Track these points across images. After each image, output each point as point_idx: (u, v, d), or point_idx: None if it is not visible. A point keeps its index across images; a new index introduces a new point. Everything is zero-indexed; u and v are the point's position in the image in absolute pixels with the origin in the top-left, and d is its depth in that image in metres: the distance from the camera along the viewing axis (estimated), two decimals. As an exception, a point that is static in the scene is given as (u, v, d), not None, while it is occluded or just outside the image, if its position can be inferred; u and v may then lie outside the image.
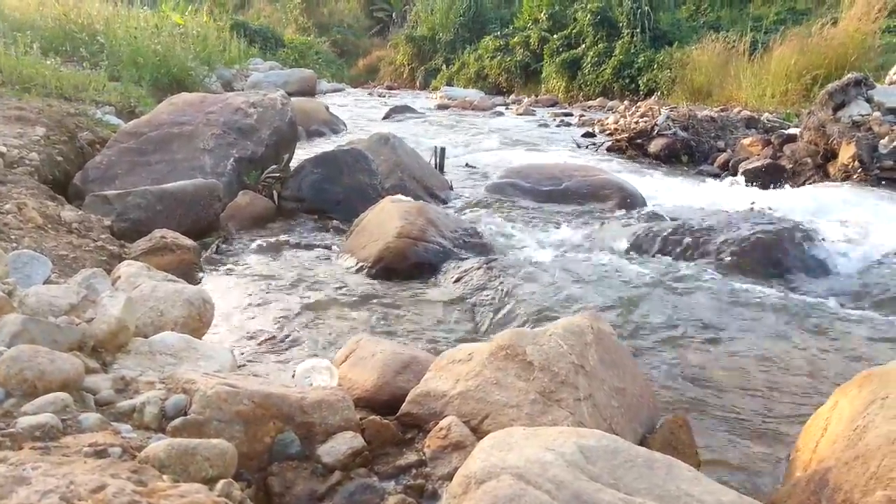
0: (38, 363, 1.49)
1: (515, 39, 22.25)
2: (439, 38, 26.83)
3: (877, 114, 7.45)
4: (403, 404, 1.86)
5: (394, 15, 32.04)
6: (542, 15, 21.50)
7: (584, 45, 18.89)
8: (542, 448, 1.38)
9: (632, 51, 17.17)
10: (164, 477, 1.19)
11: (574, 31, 19.57)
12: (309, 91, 16.13)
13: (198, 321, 2.25)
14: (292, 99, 7.30)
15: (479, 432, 1.68)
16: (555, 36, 20.19)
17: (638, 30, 17.30)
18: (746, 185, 6.76)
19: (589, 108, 16.24)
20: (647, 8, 17.06)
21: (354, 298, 3.45)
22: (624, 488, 1.33)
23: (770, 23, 15.09)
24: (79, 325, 1.79)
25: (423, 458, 1.66)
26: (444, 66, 26.04)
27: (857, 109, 7.65)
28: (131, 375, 1.72)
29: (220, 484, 1.26)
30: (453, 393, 1.80)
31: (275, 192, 5.17)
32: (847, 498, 1.56)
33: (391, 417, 1.86)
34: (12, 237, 3.05)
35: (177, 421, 1.51)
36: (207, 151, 5.12)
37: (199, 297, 2.30)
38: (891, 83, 8.75)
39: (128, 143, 5.08)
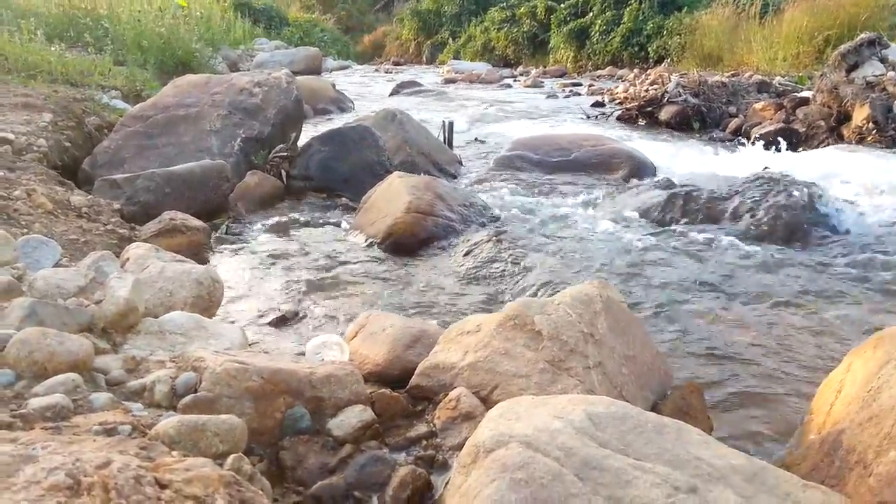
0: (47, 345, 1.50)
1: (522, 10, 22.00)
2: (445, 10, 26.58)
3: (891, 73, 7.31)
4: (413, 377, 1.86)
5: (398, -11, 31.77)
6: (548, -16, 21.23)
7: (591, 14, 18.67)
8: (550, 416, 1.38)
9: (640, 18, 16.95)
10: (174, 453, 1.20)
11: (581, -1, 19.33)
12: (315, 69, 16.07)
13: (207, 300, 2.25)
14: (298, 78, 7.27)
15: (488, 403, 1.68)
16: (562, 5, 19.95)
17: (646, -4, 17.05)
18: (759, 150, 6.67)
19: (598, 77, 16.09)
20: (654, -27, 16.81)
21: (364, 274, 3.45)
22: (633, 454, 1.32)
23: (781, -16, 14.81)
24: (88, 307, 1.80)
25: (434, 429, 1.66)
26: (450, 40, 25.84)
27: (871, 70, 7.52)
28: (141, 355, 1.73)
29: (231, 458, 1.27)
30: (462, 364, 1.80)
31: (283, 171, 5.16)
32: (860, 459, 1.55)
33: (402, 390, 1.86)
34: (23, 223, 3.07)
35: (187, 398, 1.52)
36: (214, 132, 5.11)
37: (208, 276, 2.31)
38: (905, 42, 8.57)
39: (135, 126, 5.09)
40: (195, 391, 1.54)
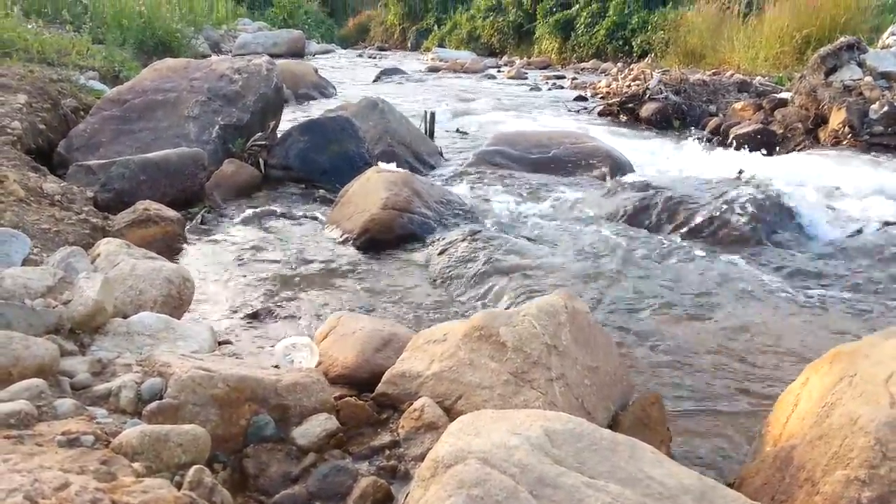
0: (12, 349, 1.51)
1: (508, -1, 21.94)
2: (431, -4, 26.45)
3: (868, 78, 7.40)
4: (379, 384, 1.88)
5: (385, -28, 31.47)
6: (535, -27, 21.16)
7: (577, 6, 18.67)
8: (508, 432, 1.41)
9: (626, 11, 16.98)
10: (135, 465, 1.22)
11: (568, -10, 19.32)
12: (298, 52, 15.94)
13: (177, 299, 2.26)
14: (280, 61, 7.21)
15: (452, 413, 1.71)
16: (548, -5, 19.91)
17: (632, -11, 17.08)
18: (736, 151, 6.73)
19: (582, 70, 16.13)
20: (641, -33, 16.83)
21: (339, 271, 3.46)
22: (588, 472, 1.36)
23: (765, -17, 14.88)
24: (55, 307, 1.80)
25: (397, 438, 1.69)
26: (435, 27, 25.74)
27: (849, 74, 7.61)
28: (108, 357, 1.73)
29: (192, 471, 1.28)
30: (428, 373, 1.83)
31: (261, 160, 5.14)
32: (809, 476, 1.60)
33: (368, 396, 1.89)
34: (-7, 211, 3.04)
35: (152, 405, 1.53)
36: (192, 119, 5.07)
37: (179, 274, 2.31)
38: (883, 47, 8.68)
39: (111, 110, 5.03)
40: (160, 397, 1.56)
